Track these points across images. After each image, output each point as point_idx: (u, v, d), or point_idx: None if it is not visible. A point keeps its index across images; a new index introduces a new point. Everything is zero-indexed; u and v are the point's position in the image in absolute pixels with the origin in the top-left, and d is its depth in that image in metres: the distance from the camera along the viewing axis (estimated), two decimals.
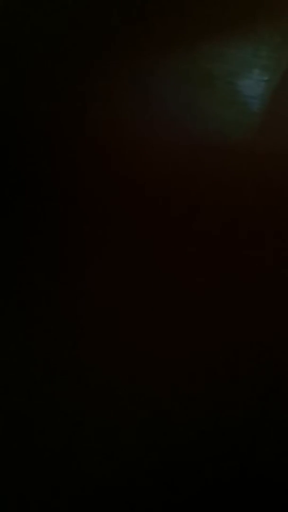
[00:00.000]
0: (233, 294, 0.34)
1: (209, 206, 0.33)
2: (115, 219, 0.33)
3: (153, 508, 0.35)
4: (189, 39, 0.33)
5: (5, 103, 0.34)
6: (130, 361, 0.34)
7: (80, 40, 0.34)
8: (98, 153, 0.33)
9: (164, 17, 0.33)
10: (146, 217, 0.33)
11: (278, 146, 0.33)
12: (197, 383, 0.35)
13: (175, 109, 0.33)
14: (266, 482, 0.35)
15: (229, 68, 0.33)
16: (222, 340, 0.34)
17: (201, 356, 0.34)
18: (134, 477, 0.35)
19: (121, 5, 0.34)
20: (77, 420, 0.34)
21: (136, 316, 0.34)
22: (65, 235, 0.34)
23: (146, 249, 0.34)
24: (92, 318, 0.34)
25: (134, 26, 0.33)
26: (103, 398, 0.34)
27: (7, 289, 0.34)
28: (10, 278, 0.34)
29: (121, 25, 0.33)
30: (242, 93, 0.33)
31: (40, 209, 0.33)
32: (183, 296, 0.34)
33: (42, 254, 0.34)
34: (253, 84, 0.33)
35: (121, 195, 0.33)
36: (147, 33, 0.33)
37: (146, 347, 0.34)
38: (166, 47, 0.33)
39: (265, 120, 0.33)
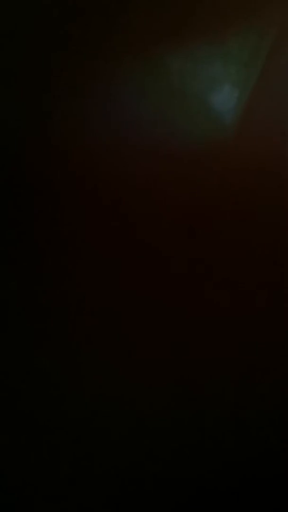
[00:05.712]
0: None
1: (182, 220, 0.34)
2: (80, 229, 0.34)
3: (153, 508, 0.35)
4: (160, 57, 0.34)
5: None
6: (124, 361, 0.35)
7: (47, 53, 0.34)
8: (74, 171, 0.34)
9: (135, 35, 0.34)
10: (111, 228, 0.34)
11: (249, 161, 0.34)
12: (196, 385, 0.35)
13: (148, 126, 0.34)
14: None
15: (200, 85, 0.34)
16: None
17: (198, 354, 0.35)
18: (135, 477, 0.35)
19: (90, 18, 0.34)
20: (75, 418, 0.35)
21: (134, 314, 0.35)
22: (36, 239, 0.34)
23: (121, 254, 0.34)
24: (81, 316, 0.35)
25: (106, 42, 0.34)
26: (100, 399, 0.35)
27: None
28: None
29: (93, 41, 0.34)
30: (214, 109, 0.34)
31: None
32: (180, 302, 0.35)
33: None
34: (224, 100, 0.34)
35: (89, 208, 0.34)
36: (118, 50, 0.34)
37: (143, 348, 0.35)
38: (137, 65, 0.34)
39: (237, 134, 0.34)
